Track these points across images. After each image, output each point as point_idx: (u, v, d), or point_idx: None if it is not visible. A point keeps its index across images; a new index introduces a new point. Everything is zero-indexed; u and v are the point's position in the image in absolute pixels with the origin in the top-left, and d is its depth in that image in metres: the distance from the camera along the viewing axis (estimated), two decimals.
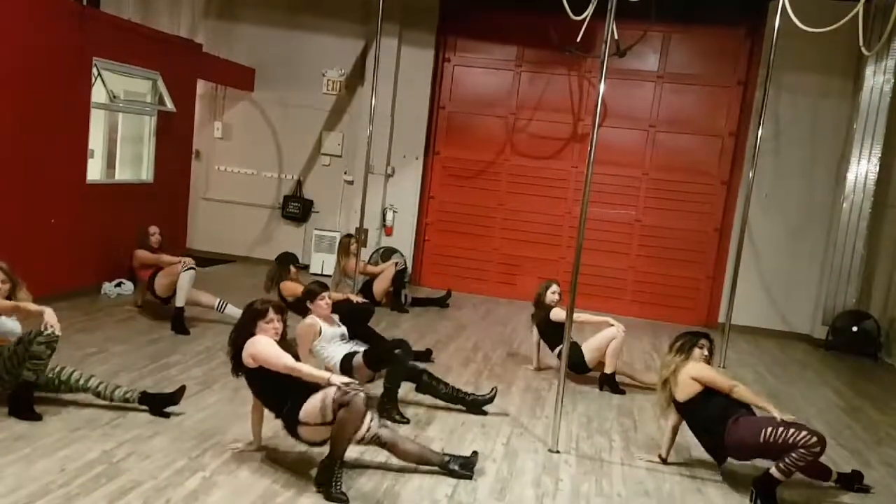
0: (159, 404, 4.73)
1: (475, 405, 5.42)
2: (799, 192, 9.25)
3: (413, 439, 4.49)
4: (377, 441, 4.16)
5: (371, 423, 4.14)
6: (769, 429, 4.24)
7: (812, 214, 9.26)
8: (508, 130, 10.24)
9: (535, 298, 6.82)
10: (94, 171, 8.36)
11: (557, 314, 6.47)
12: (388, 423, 4.28)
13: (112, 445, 4.20)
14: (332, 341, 5.31)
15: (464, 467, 4.29)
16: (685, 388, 4.59)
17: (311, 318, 5.36)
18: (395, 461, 4.32)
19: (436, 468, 4.26)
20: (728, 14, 9.43)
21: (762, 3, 8.94)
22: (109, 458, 4.05)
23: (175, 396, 4.81)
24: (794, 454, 4.12)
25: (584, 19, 7.24)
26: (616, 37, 8.48)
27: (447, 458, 4.30)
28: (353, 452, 4.38)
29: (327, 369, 4.90)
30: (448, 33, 10.26)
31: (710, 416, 4.53)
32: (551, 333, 6.53)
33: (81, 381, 4.67)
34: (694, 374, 4.59)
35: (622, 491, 4.37)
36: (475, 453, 4.40)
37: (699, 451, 5.08)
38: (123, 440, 4.28)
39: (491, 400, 5.47)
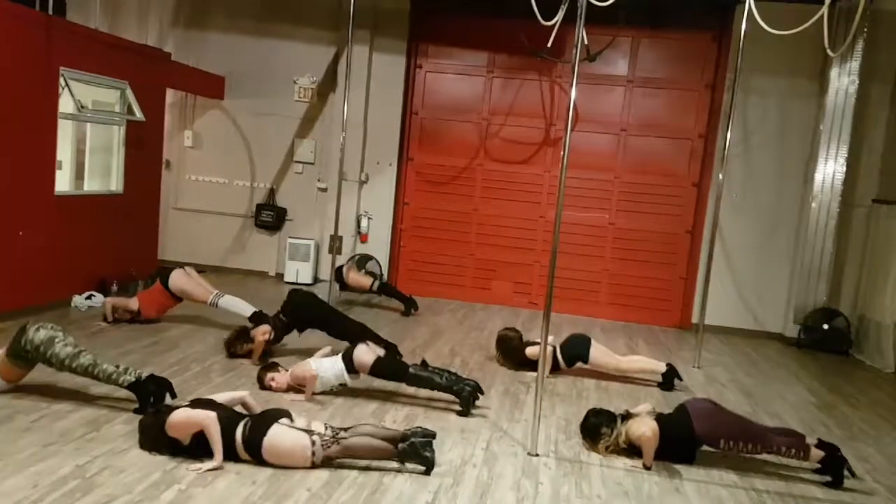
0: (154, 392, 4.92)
1: (470, 393, 5.51)
2: (768, 192, 9.38)
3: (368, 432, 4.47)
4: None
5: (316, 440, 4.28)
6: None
7: (781, 214, 9.39)
8: (481, 136, 10.27)
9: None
10: (63, 183, 8.22)
11: (533, 353, 6.67)
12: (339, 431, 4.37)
13: (86, 460, 4.13)
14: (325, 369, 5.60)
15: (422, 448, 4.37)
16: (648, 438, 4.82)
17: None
18: (375, 465, 4.33)
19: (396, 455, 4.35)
20: (695, 18, 9.55)
21: (729, 6, 9.08)
22: (83, 472, 3.98)
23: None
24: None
25: (554, 25, 7.30)
26: (586, 42, 8.55)
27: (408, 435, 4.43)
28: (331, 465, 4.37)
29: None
30: (419, 40, 10.27)
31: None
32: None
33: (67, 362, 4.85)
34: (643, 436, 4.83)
35: (602, 492, 4.39)
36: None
37: None
38: (97, 454, 4.22)
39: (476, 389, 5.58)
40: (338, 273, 8.89)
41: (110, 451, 4.27)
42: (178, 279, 7.21)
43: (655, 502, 4.34)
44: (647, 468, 4.77)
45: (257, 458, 4.23)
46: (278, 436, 4.23)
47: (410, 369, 5.55)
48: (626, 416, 5.01)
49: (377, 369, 5.54)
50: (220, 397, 4.60)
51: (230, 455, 4.24)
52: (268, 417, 4.37)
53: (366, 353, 5.59)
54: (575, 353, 6.77)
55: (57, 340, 4.90)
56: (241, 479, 4.07)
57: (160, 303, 7.26)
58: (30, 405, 4.85)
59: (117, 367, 4.95)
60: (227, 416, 4.31)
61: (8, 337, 5.10)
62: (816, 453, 4.78)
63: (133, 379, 4.89)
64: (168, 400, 5.00)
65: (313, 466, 4.25)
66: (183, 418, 4.21)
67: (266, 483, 4.06)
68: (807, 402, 6.79)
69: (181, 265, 7.59)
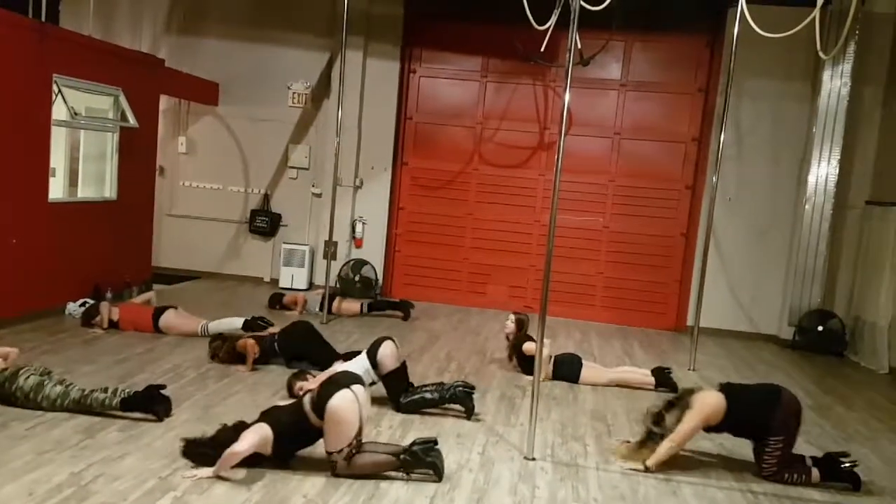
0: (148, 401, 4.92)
1: (464, 392, 5.51)
2: (762, 195, 9.41)
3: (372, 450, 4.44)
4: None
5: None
6: None
7: (775, 217, 9.41)
8: (476, 140, 10.28)
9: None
10: (56, 190, 8.21)
11: (529, 348, 6.65)
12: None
13: (81, 467, 4.12)
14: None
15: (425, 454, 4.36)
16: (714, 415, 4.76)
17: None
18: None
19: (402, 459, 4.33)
20: (688, 22, 9.58)
21: (721, 10, 9.12)
22: (78, 480, 3.96)
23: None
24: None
25: (548, 29, 7.31)
26: (579, 46, 8.57)
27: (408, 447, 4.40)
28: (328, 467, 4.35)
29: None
30: (413, 45, 10.28)
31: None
32: (526, 364, 6.70)
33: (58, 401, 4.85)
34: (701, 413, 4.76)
35: (598, 496, 4.38)
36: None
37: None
38: (92, 462, 4.20)
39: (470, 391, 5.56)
40: (329, 301, 8.62)
41: (105, 459, 4.26)
42: (168, 318, 7.24)
43: None
44: (647, 469, 4.76)
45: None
46: (346, 402, 4.14)
47: (401, 398, 5.50)
48: (675, 403, 4.87)
49: (391, 378, 5.48)
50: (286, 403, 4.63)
51: (307, 441, 4.30)
52: (341, 379, 4.30)
53: (392, 354, 5.51)
54: (564, 373, 6.77)
55: (45, 383, 4.92)
56: (236, 486, 4.05)
57: (137, 326, 7.24)
58: (25, 413, 4.82)
59: (105, 390, 4.96)
60: (294, 407, 4.33)
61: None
62: (815, 473, 4.78)
63: (120, 399, 4.87)
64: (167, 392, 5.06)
65: (328, 459, 4.23)
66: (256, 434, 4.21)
67: (262, 490, 4.04)
68: (802, 404, 6.77)
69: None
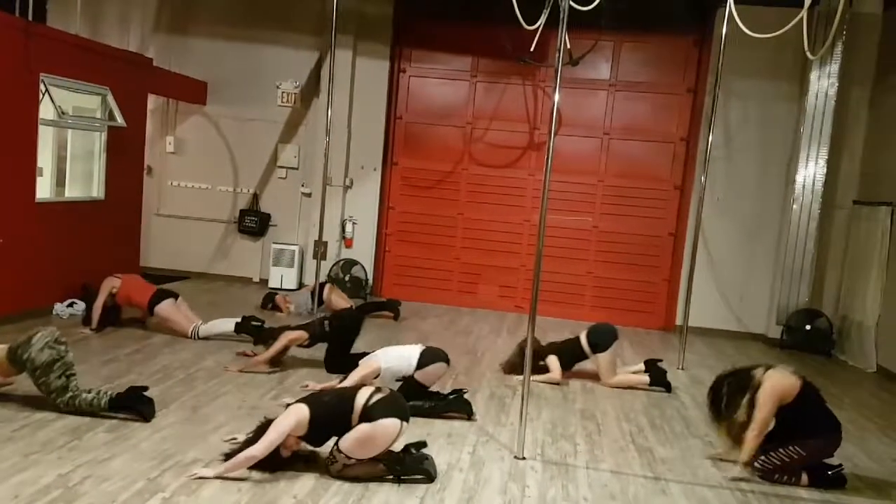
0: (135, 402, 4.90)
1: (458, 397, 5.53)
2: (750, 194, 9.45)
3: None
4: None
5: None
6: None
7: (764, 216, 9.46)
8: (466, 140, 10.28)
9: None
10: (44, 190, 8.16)
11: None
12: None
13: (68, 469, 4.09)
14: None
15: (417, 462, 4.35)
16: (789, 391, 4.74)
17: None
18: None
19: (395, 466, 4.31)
20: (677, 23, 9.62)
21: (709, 11, 9.16)
22: (66, 482, 3.93)
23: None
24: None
25: (537, 29, 7.32)
26: (569, 46, 8.59)
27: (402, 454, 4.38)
28: (319, 468, 4.33)
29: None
30: (403, 44, 10.27)
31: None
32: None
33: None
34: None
35: (588, 495, 4.39)
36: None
37: (663, 452, 5.16)
38: (80, 463, 4.17)
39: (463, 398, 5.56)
40: (318, 291, 8.62)
41: (93, 460, 4.23)
42: (166, 307, 7.14)
43: None
44: (745, 465, 4.76)
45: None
46: (392, 429, 4.15)
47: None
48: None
49: (415, 387, 5.44)
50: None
51: (341, 430, 4.21)
52: (401, 407, 4.28)
53: (438, 376, 5.56)
54: (598, 340, 6.71)
55: (56, 366, 4.80)
56: (225, 487, 4.03)
57: (132, 299, 7.19)
58: (11, 414, 4.79)
59: (89, 391, 4.91)
60: (344, 393, 4.35)
61: None
62: (804, 478, 4.79)
63: (107, 399, 4.85)
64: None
65: (331, 453, 4.24)
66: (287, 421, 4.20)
67: (251, 491, 4.02)
68: None
69: (171, 289, 7.46)
